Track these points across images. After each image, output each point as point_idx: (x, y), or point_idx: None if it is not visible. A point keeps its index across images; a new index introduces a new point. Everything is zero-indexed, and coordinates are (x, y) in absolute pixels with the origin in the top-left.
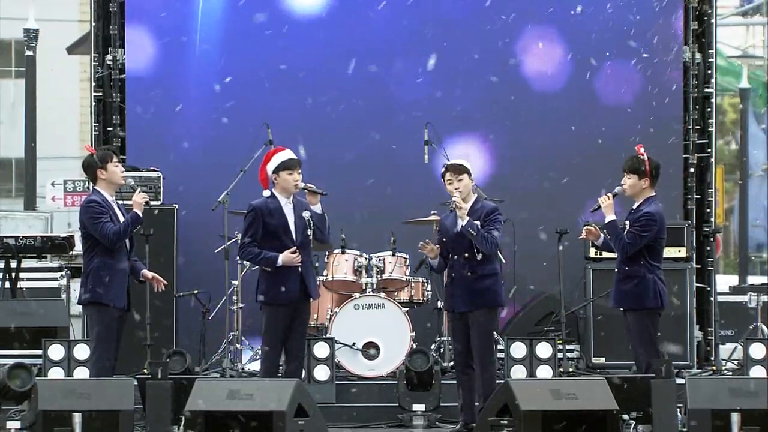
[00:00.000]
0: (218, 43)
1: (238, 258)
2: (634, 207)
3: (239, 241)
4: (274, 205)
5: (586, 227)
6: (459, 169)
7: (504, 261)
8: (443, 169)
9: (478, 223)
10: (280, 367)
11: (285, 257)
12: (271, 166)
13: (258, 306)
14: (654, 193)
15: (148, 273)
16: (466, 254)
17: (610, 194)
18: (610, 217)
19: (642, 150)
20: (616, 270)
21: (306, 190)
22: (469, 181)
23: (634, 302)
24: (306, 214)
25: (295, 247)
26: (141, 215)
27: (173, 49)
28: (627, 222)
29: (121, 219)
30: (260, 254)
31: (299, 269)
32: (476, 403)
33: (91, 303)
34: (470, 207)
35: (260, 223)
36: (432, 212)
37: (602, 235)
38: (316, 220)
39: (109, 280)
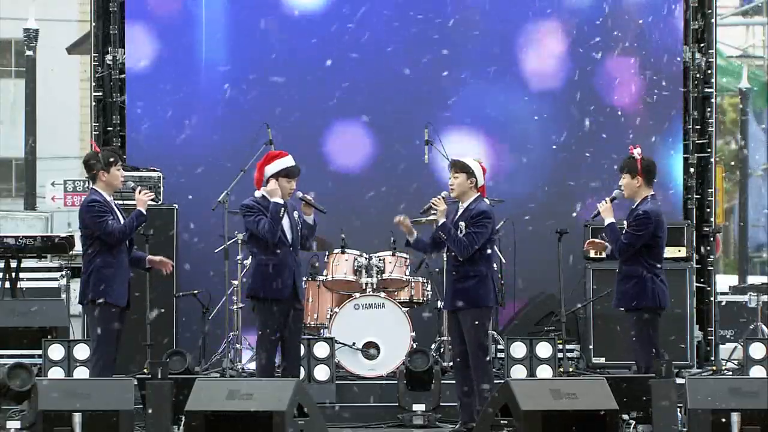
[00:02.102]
0: (219, 43)
1: (239, 259)
2: (633, 207)
3: (254, 230)
4: (266, 205)
5: (588, 241)
6: (455, 166)
7: (504, 261)
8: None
9: (463, 224)
10: (278, 367)
11: (271, 194)
12: (271, 169)
13: (252, 307)
14: (652, 192)
15: (154, 257)
16: (453, 252)
17: (608, 198)
18: (609, 220)
19: (635, 150)
20: (617, 270)
21: (302, 201)
22: (465, 180)
23: (633, 302)
24: (296, 214)
25: (274, 180)
26: (145, 213)
27: (174, 49)
28: (625, 222)
29: (121, 219)
30: (265, 218)
31: (291, 268)
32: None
33: (92, 302)
34: (466, 206)
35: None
36: (432, 212)
37: (608, 245)
38: (305, 230)
39: (110, 279)
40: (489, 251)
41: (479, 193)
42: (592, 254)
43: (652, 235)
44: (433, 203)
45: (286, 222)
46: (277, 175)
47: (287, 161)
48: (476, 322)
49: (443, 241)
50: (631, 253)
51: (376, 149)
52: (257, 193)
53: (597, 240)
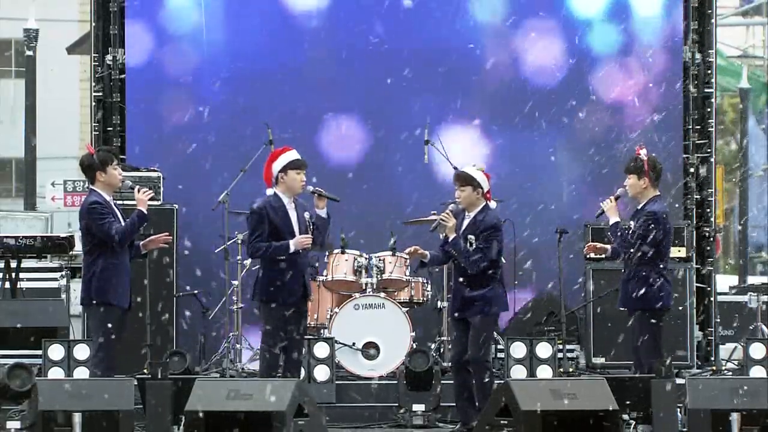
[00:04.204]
0: (219, 43)
1: (239, 259)
2: (639, 207)
3: (247, 243)
4: (277, 204)
5: (589, 245)
6: (460, 179)
7: (504, 261)
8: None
9: (472, 237)
10: (280, 367)
11: (297, 242)
12: (278, 164)
13: (255, 306)
14: (658, 193)
15: (146, 240)
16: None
17: (612, 197)
18: (613, 219)
19: (641, 151)
20: (622, 270)
21: (314, 194)
22: (472, 192)
23: (638, 303)
24: (307, 215)
25: (310, 236)
26: (146, 212)
27: (174, 49)
28: (631, 222)
29: (121, 220)
30: (270, 246)
31: (302, 270)
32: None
33: (95, 303)
34: (473, 217)
35: (266, 224)
36: (432, 212)
37: (609, 247)
38: (320, 224)
39: (113, 281)
40: (497, 260)
41: (486, 201)
42: (592, 255)
43: (660, 236)
44: (442, 219)
45: (295, 224)
46: (286, 168)
47: (293, 154)
48: (482, 328)
49: (457, 257)
50: (638, 254)
51: (377, 149)
52: (269, 191)
53: (598, 244)
